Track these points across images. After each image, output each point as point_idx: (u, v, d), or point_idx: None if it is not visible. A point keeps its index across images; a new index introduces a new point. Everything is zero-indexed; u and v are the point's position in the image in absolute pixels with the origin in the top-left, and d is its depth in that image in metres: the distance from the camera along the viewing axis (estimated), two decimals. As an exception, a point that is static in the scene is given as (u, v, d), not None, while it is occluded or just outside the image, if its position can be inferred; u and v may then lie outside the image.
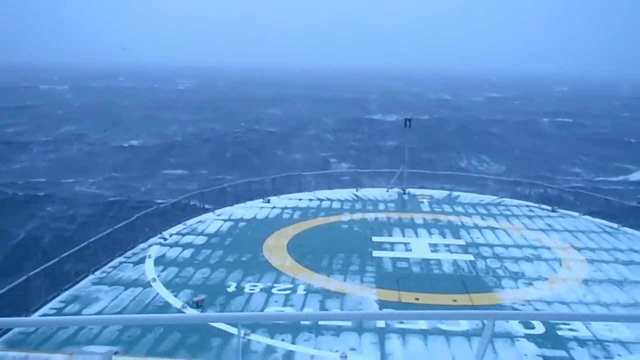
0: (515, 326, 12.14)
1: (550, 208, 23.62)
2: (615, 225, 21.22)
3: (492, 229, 20.52)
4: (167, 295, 13.91)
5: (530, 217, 22.32)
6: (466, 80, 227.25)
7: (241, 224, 20.78)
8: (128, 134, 74.41)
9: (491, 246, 18.39)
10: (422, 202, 24.55)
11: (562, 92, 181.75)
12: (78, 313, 12.86)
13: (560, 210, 23.45)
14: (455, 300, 13.83)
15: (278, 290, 14.34)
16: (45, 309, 13.12)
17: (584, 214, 22.83)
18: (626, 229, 20.81)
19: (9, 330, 11.47)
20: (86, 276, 15.06)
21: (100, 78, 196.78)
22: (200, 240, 18.63)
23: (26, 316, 12.43)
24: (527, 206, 24.15)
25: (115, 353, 10.69)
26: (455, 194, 26.08)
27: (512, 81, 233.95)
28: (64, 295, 13.86)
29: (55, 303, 13.44)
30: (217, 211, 22.28)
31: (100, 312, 12.93)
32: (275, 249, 17.76)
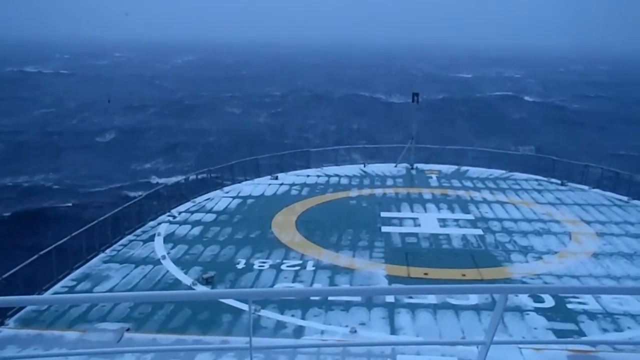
0: (525, 300, 12.15)
1: (559, 182, 23.47)
2: (625, 198, 21.08)
3: (501, 203, 20.43)
4: (177, 273, 14.01)
5: (539, 191, 22.18)
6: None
7: (249, 200, 20.80)
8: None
9: (500, 220, 18.34)
10: (431, 177, 24.45)
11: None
12: (89, 291, 12.99)
13: (569, 183, 23.30)
14: (464, 275, 13.84)
15: (287, 266, 14.40)
16: (56, 287, 13.25)
17: (593, 187, 22.69)
18: (636, 201, 20.66)
19: (22, 308, 11.61)
20: (97, 254, 15.19)
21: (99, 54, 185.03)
22: (209, 217, 18.68)
23: (38, 294, 12.56)
24: (536, 180, 23.99)
25: (127, 330, 10.82)
26: (463, 168, 25.92)
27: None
28: (75, 274, 13.99)
29: (66, 281, 13.56)
30: (225, 188, 22.29)
31: (111, 290, 13.05)
32: (284, 225, 17.79)
